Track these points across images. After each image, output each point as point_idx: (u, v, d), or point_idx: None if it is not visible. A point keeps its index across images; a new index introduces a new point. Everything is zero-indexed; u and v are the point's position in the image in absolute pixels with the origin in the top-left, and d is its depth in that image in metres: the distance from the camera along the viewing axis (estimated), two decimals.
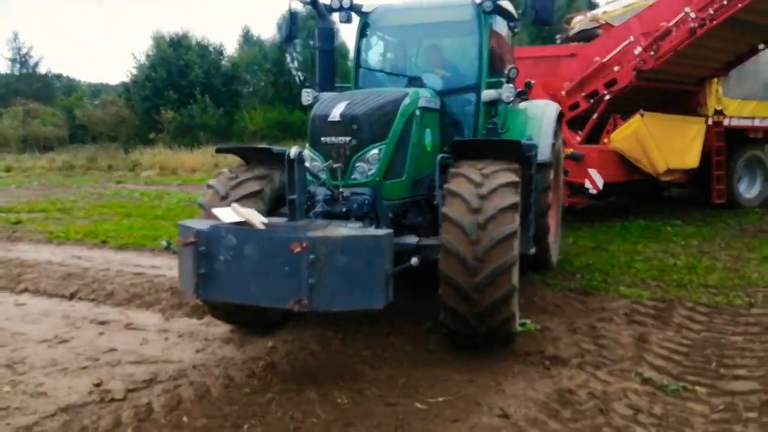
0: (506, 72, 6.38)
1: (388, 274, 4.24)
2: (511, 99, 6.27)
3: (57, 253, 9.76)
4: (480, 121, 6.57)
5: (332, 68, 6.86)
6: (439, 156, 5.73)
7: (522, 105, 7.48)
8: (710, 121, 12.69)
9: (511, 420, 4.11)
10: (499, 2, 6.47)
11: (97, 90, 61.14)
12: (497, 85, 6.40)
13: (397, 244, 4.98)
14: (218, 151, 6.81)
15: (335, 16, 7.01)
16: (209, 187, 5.67)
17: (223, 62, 41.34)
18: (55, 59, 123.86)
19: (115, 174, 26.57)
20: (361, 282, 4.11)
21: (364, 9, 7.17)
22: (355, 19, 7.24)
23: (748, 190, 13.93)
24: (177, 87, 36.50)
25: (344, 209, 5.14)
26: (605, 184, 11.23)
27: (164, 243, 4.76)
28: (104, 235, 10.98)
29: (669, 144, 11.64)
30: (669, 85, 11.99)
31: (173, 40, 38.83)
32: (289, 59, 39.62)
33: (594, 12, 13.64)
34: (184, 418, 4.25)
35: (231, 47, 45.07)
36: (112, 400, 4.53)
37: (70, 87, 56.06)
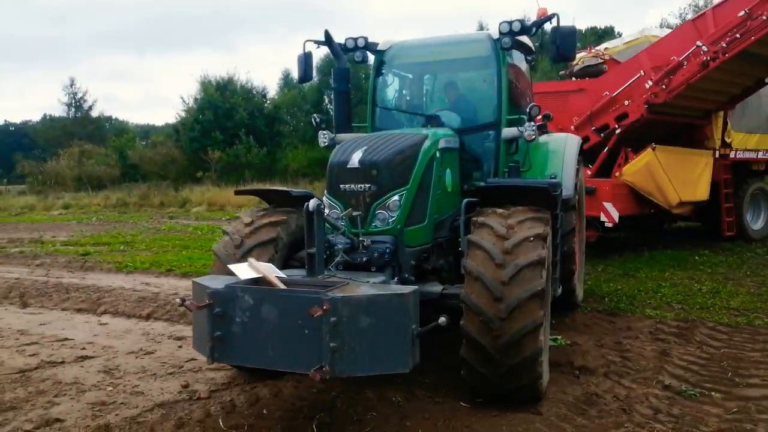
0: (528, 110, 5.94)
1: (415, 335, 3.79)
2: (533, 137, 5.92)
3: (128, 280, 10.35)
4: (501, 159, 6.21)
5: (348, 109, 6.64)
6: (465, 201, 5.28)
7: (542, 139, 6.96)
8: (717, 154, 12.45)
9: (544, 416, 4.42)
10: (517, 37, 6.11)
11: (144, 131, 61.95)
12: (518, 122, 6.05)
13: (420, 293, 4.57)
14: (237, 193, 6.57)
15: (351, 56, 6.75)
16: (224, 233, 5.34)
17: (266, 104, 42.21)
18: (105, 103, 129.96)
19: (167, 210, 27.27)
20: (386, 344, 3.70)
21: (379, 47, 6.82)
22: (371, 57, 6.91)
23: (754, 221, 13.60)
24: (223, 128, 37.45)
25: (365, 258, 4.76)
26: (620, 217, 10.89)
27: (178, 301, 4.14)
28: (168, 264, 11.60)
29: (680, 177, 11.35)
30: (677, 118, 11.66)
31: (219, 84, 39.97)
32: (327, 100, 41.03)
33: (597, 48, 13.41)
34: (264, 411, 4.69)
35: (272, 89, 46.69)
36: (199, 398, 5.00)
37: (121, 129, 57.28)
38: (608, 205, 10.69)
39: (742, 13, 9.95)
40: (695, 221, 14.07)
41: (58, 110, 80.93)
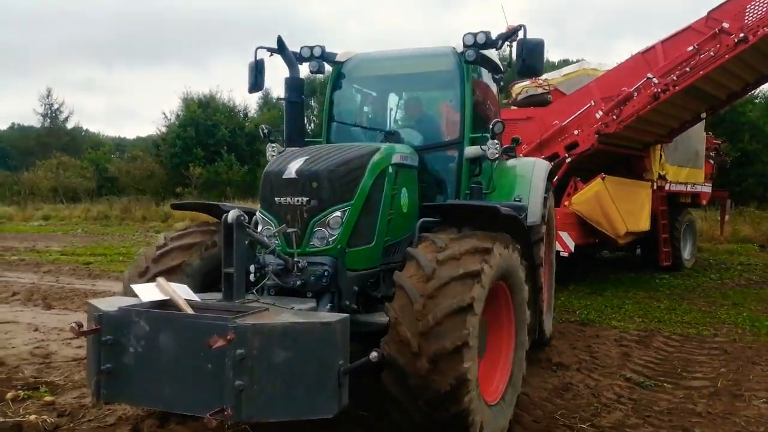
0: (491, 126, 5.29)
1: (342, 372, 3.10)
2: (497, 156, 5.30)
3: None
4: (462, 181, 5.59)
5: (300, 121, 6.09)
6: (421, 220, 4.65)
7: (510, 163, 6.46)
8: (655, 186, 12.38)
9: (530, 398, 5.19)
10: (482, 51, 5.56)
11: (115, 144, 60.09)
12: (482, 141, 5.44)
13: (363, 323, 3.97)
14: (173, 207, 6.10)
15: (305, 66, 6.21)
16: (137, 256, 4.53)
17: (247, 123, 42.11)
18: (80, 114, 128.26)
19: (149, 224, 26.93)
20: (307, 383, 3.00)
21: (337, 58, 6.25)
22: (327, 69, 6.37)
23: (684, 252, 13.65)
24: (204, 145, 37.44)
25: (299, 282, 4.04)
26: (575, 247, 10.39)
27: (74, 326, 3.26)
28: None
29: (626, 207, 11.10)
30: (620, 149, 11.51)
31: (201, 102, 40.17)
32: (306, 121, 42.06)
33: (538, 79, 12.32)
34: None
35: (252, 109, 47.56)
36: None
37: (95, 141, 55.75)
38: (564, 235, 10.26)
39: (690, 48, 9.95)
40: (628, 252, 14.08)
41: (26, 120, 79.82)
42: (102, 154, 45.56)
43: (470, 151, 5.57)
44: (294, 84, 5.98)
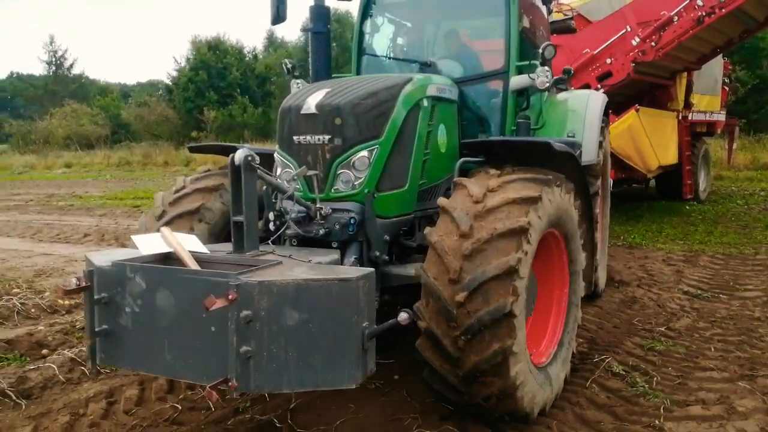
0: (540, 51, 4.67)
1: (367, 336, 2.71)
2: (547, 85, 4.67)
3: None
4: (508, 115, 4.97)
5: (327, 54, 5.60)
6: (460, 160, 4.10)
7: (561, 96, 5.87)
8: (680, 116, 11.70)
9: (603, 309, 5.82)
10: None
11: (124, 89, 62.00)
12: (530, 69, 4.82)
13: (396, 276, 3.60)
14: (191, 150, 5.66)
15: None
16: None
17: (257, 64, 41.92)
18: (83, 61, 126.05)
19: (172, 169, 26.86)
20: (325, 349, 2.63)
21: None
22: None
23: (700, 182, 13.01)
24: (216, 88, 37.34)
25: (323, 231, 3.63)
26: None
27: (74, 282, 2.94)
28: None
29: (657, 140, 10.53)
30: (651, 78, 10.66)
31: (210, 45, 39.43)
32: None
33: (559, 2, 11.52)
34: None
35: (258, 50, 47.13)
36: None
37: (102, 87, 55.50)
38: None
39: None
40: (640, 185, 13.59)
41: (26, 68, 78.73)
42: (111, 100, 45.42)
43: (517, 81, 4.93)
44: (319, 12, 5.45)
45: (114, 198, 16.18)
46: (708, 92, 13.16)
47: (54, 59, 50.93)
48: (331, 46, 5.81)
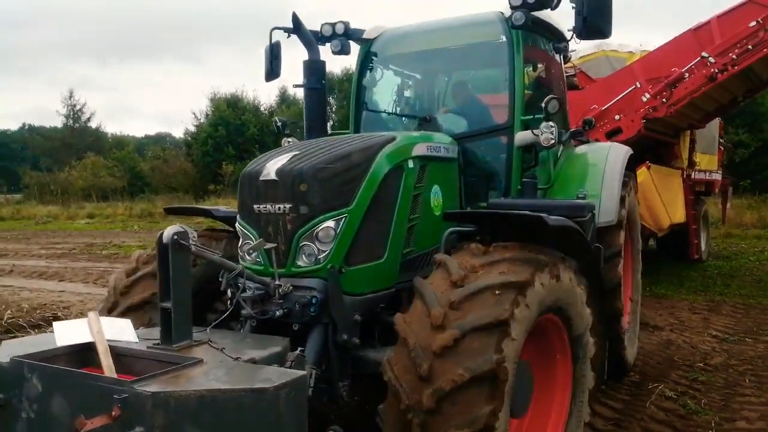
0: (543, 105, 4.31)
1: None
2: (552, 142, 4.32)
3: None
4: (513, 174, 4.61)
5: (322, 110, 5.42)
6: (447, 231, 3.65)
7: (581, 149, 5.52)
8: (684, 174, 11.45)
9: (645, 349, 6.37)
10: (535, 13, 4.52)
11: (140, 143, 63.80)
12: (534, 124, 4.47)
13: (371, 362, 3.20)
14: (166, 211, 5.31)
15: (326, 48, 5.36)
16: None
17: (273, 120, 45.10)
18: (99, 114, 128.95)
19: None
20: None
21: (365, 35, 5.35)
22: (354, 48, 5.44)
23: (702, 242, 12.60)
24: (235, 143, 38.47)
25: (280, 312, 3.25)
26: None
27: None
28: None
29: (667, 198, 10.27)
30: (658, 135, 10.40)
31: (229, 102, 40.86)
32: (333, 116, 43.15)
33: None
34: None
35: (272, 107, 49.03)
36: None
37: (118, 140, 57.63)
38: None
39: (753, 23, 8.77)
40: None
41: (38, 119, 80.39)
42: (127, 153, 46.70)
43: (521, 137, 4.58)
44: (313, 67, 5.28)
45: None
46: (707, 151, 13.01)
47: (72, 113, 52.41)
48: (326, 103, 5.63)
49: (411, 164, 3.82)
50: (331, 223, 3.36)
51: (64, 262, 14.04)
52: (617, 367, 5.26)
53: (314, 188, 3.34)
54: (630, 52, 10.89)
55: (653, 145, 10.87)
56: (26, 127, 68.61)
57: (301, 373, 2.43)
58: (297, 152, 3.58)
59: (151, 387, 2.16)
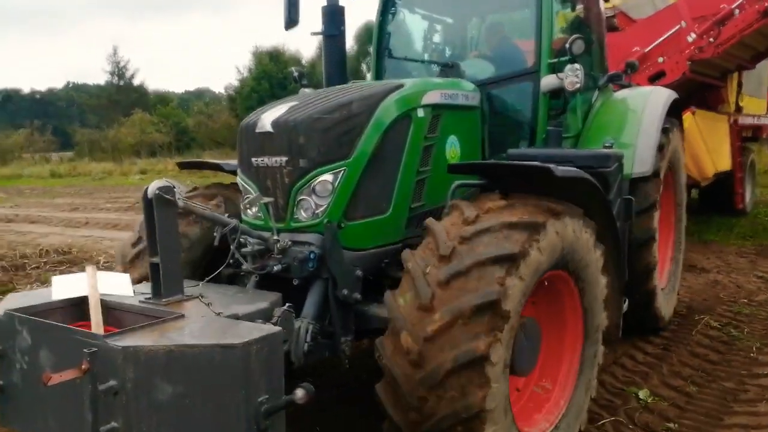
0: (567, 45, 4.01)
1: (263, 413, 2.23)
2: (577, 86, 4.03)
3: None
4: (539, 121, 4.34)
5: (342, 58, 5.13)
6: (454, 184, 3.38)
7: (620, 94, 5.17)
8: (731, 119, 10.72)
9: (692, 288, 6.80)
10: None
11: (180, 98, 64.45)
12: (559, 67, 4.18)
13: (374, 318, 3.12)
14: (179, 165, 5.07)
15: None
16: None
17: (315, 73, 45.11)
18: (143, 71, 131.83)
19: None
20: (207, 430, 2.18)
21: None
22: None
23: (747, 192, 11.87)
24: (278, 97, 40.32)
25: (278, 267, 3.18)
26: None
27: None
28: None
29: (712, 145, 9.67)
30: (703, 78, 9.63)
31: (272, 55, 40.91)
32: (365, 68, 42.68)
33: None
34: None
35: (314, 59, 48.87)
36: None
37: (161, 97, 57.58)
38: None
39: None
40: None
41: (86, 77, 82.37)
42: (171, 109, 47.43)
43: (546, 82, 4.30)
44: (332, 13, 5.02)
45: None
46: (755, 94, 12.12)
47: (117, 69, 53.20)
48: (345, 50, 5.33)
49: (421, 113, 3.64)
50: (328, 177, 3.25)
51: (131, 215, 14.65)
52: (648, 321, 5.14)
53: (310, 140, 3.22)
54: None
55: (698, 89, 10.20)
56: (70, 85, 70.33)
57: (275, 329, 2.39)
58: (296, 102, 3.44)
59: (123, 341, 2.17)
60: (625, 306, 4.22)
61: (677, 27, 8.87)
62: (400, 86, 3.62)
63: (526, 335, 2.99)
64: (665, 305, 5.29)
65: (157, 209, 2.69)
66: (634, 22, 9.78)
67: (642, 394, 4.19)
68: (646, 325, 5.13)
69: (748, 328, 5.50)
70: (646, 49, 9.02)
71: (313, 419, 3.78)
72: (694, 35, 8.72)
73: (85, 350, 2.06)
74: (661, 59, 8.90)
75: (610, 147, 4.31)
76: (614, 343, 4.13)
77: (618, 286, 3.80)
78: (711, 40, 8.58)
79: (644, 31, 9.33)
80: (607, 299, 3.47)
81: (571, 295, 3.29)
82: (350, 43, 39.00)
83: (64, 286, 2.78)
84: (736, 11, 8.44)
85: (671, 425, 3.79)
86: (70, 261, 9.39)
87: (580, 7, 4.89)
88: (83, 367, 2.04)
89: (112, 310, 2.67)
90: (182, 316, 2.52)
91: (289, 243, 3.21)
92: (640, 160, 4.60)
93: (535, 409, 3.28)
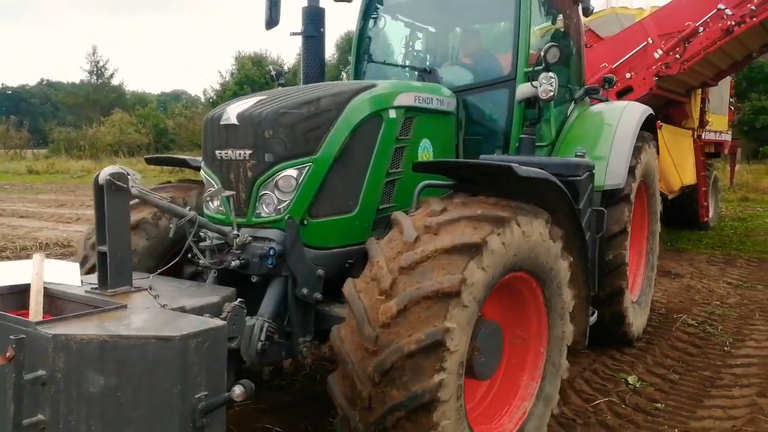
0: (542, 54, 3.96)
1: (200, 410, 2.12)
2: (551, 94, 3.96)
3: None
4: (513, 129, 4.32)
5: (320, 58, 5.10)
6: (420, 185, 3.37)
7: (596, 108, 5.25)
8: (695, 135, 10.96)
9: (667, 291, 7.27)
10: None
11: (157, 100, 63.43)
12: (534, 75, 4.12)
13: (335, 318, 2.98)
14: (147, 161, 5.10)
15: None
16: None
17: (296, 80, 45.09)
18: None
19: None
20: (140, 425, 2.07)
21: None
22: None
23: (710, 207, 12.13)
24: None
25: (236, 262, 3.08)
26: None
27: None
28: None
29: (678, 159, 9.82)
30: (669, 94, 9.93)
31: (254, 60, 40.82)
32: (344, 76, 42.90)
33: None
34: None
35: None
36: None
37: (139, 97, 57.71)
38: None
39: None
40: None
41: (61, 75, 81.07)
42: (151, 110, 46.94)
43: (522, 90, 4.24)
44: (312, 13, 5.01)
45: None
46: (717, 111, 12.40)
47: (96, 69, 52.41)
48: (324, 52, 5.33)
49: (393, 114, 3.58)
50: (292, 172, 3.16)
51: None
52: (620, 338, 5.19)
53: (276, 134, 3.13)
54: (640, 8, 10.40)
55: (664, 105, 10.41)
56: (44, 82, 68.83)
57: (219, 323, 2.29)
58: (264, 97, 3.37)
59: (55, 329, 2.05)
60: (593, 318, 4.17)
61: (644, 44, 8.99)
62: (373, 86, 3.58)
63: (488, 338, 2.96)
64: (636, 320, 5.27)
65: (108, 196, 2.57)
66: (602, 40, 9.90)
67: (630, 379, 4.67)
68: (615, 341, 5.18)
69: (721, 326, 6.03)
70: (614, 65, 9.09)
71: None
72: (660, 51, 8.85)
73: (12, 337, 1.94)
74: (628, 75, 8.99)
75: (582, 156, 4.28)
76: (580, 350, 4.08)
77: (585, 296, 3.76)
78: (677, 56, 8.73)
79: (612, 47, 9.41)
80: (574, 309, 3.42)
81: (536, 301, 3.26)
82: (331, 50, 39.20)
83: (8, 273, 2.66)
84: (701, 29, 8.60)
85: (658, 405, 4.26)
86: (73, 254, 9.24)
87: (560, 18, 4.91)
88: (8, 354, 1.91)
89: (55, 299, 2.55)
90: (124, 306, 2.41)
91: (249, 238, 3.11)
92: (612, 172, 4.60)
93: (493, 417, 3.23)
